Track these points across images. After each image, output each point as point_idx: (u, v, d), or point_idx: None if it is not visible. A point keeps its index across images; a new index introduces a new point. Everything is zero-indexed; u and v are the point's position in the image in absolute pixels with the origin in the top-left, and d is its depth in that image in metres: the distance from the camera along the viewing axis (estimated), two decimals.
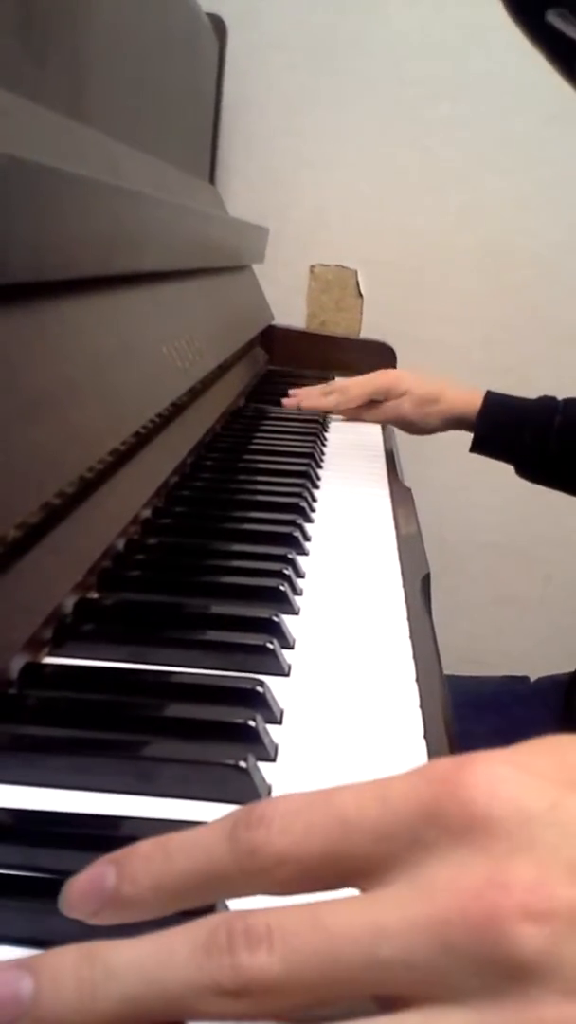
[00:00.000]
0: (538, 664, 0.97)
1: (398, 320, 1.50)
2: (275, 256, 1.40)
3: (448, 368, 1.43)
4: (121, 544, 0.52)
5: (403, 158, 1.48)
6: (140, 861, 0.21)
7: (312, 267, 1.54)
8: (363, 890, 0.20)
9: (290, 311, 1.50)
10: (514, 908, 0.18)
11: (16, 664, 0.36)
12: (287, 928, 0.19)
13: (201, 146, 1.30)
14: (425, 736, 0.36)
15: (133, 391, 0.60)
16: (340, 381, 1.10)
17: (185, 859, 0.21)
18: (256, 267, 1.35)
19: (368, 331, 1.53)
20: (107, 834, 0.25)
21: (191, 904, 0.21)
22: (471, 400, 1.01)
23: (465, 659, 1.47)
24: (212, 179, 1.37)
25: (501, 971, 0.18)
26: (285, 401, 1.07)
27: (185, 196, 1.04)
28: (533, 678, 0.95)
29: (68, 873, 0.21)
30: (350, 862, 0.20)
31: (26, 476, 0.41)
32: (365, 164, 1.49)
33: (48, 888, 0.23)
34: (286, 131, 1.48)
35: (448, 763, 0.21)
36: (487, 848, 0.19)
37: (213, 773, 0.30)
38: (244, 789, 0.30)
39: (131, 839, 0.22)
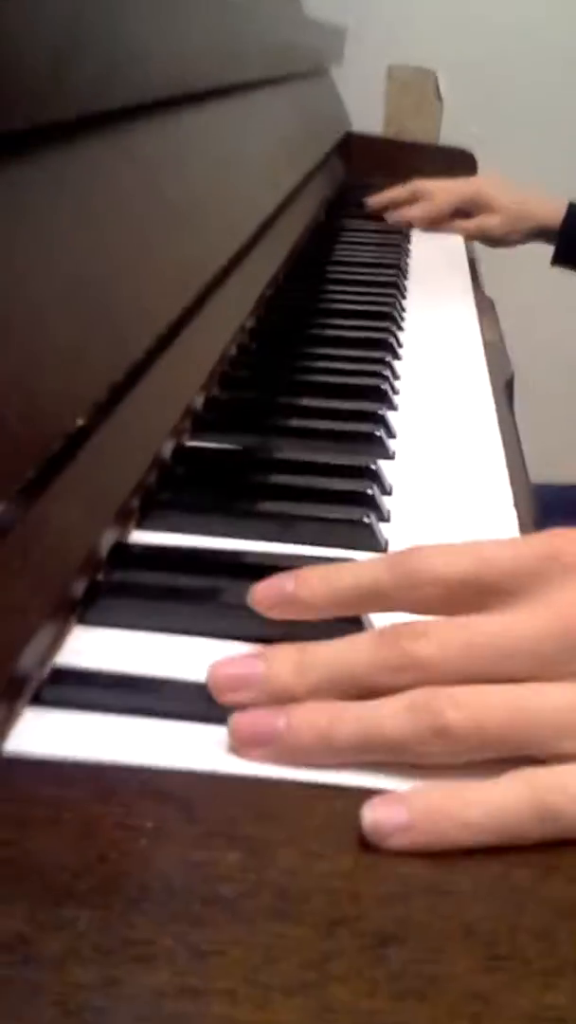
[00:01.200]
0: None
1: (479, 125, 1.46)
2: (353, 58, 1.36)
3: (529, 177, 1.40)
4: (234, 351, 0.58)
5: None
6: (314, 575, 0.28)
7: (390, 68, 1.48)
8: (494, 613, 0.27)
9: (367, 117, 1.47)
10: None
11: (167, 447, 0.43)
12: (440, 627, 0.26)
13: None
14: (515, 503, 0.42)
15: (228, 211, 0.63)
16: (422, 183, 1.07)
17: (350, 577, 0.28)
18: (333, 70, 1.32)
19: (448, 137, 1.49)
20: (264, 565, 0.32)
21: (352, 612, 0.28)
22: (555, 212, 1.00)
23: (551, 464, 1.52)
24: None
25: None
26: (370, 200, 1.06)
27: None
28: None
29: (237, 594, 0.28)
30: (487, 587, 0.27)
31: (167, 282, 0.47)
32: None
33: (226, 598, 0.30)
34: None
35: (564, 529, 0.28)
36: None
37: (344, 527, 0.37)
38: (368, 541, 0.37)
39: (286, 570, 0.28)
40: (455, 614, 0.27)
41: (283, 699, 0.26)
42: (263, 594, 0.28)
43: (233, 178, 0.69)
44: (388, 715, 0.25)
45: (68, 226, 0.39)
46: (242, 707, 0.26)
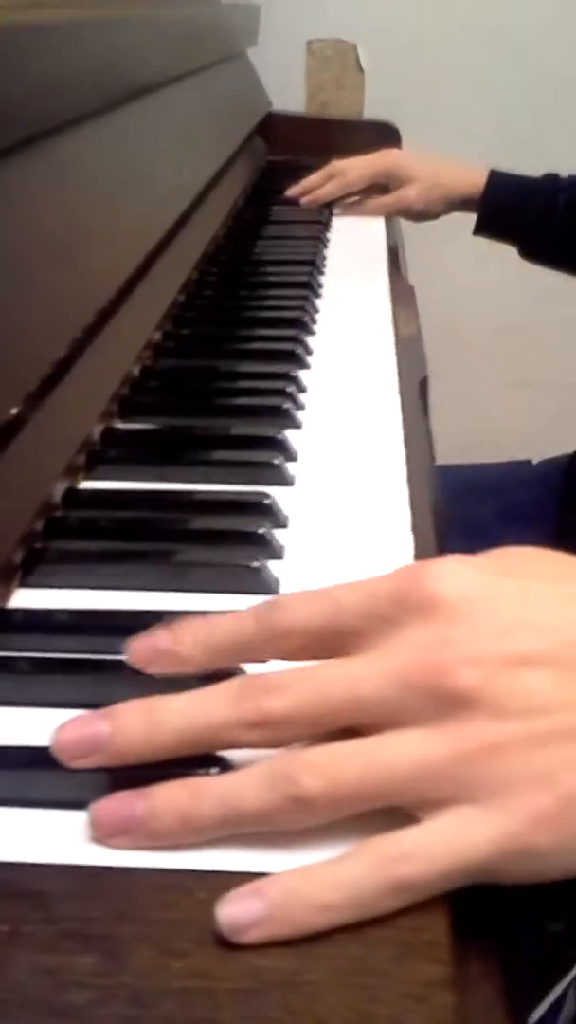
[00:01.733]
0: (551, 446, 1.01)
1: (402, 94, 1.44)
2: (269, 35, 1.33)
3: (456, 145, 1.39)
4: (137, 370, 0.57)
5: None
6: (187, 628, 0.28)
7: (309, 43, 1.46)
8: (350, 656, 0.27)
9: (289, 94, 1.44)
10: (455, 657, 0.25)
11: (58, 489, 0.42)
12: (293, 679, 0.26)
13: None
14: (413, 529, 0.42)
15: (137, 218, 0.62)
16: (338, 163, 1.06)
17: (221, 630, 0.28)
18: (250, 50, 1.29)
19: (372, 109, 1.47)
20: (147, 623, 0.32)
21: (224, 664, 0.28)
22: (475, 180, 0.99)
23: (479, 442, 1.53)
24: None
25: (447, 701, 0.25)
26: (288, 192, 1.05)
27: None
28: (536, 461, 1.01)
29: (118, 658, 0.28)
30: (343, 634, 0.27)
31: (52, 316, 0.46)
32: None
33: (103, 666, 0.30)
34: None
35: (415, 564, 0.28)
36: (437, 621, 0.26)
37: (231, 572, 0.36)
38: (256, 583, 0.36)
39: None
40: (318, 658, 0.27)
41: (132, 761, 0.26)
42: (139, 650, 0.28)
43: (140, 183, 0.68)
44: (247, 788, 0.25)
45: None
46: (92, 771, 0.26)
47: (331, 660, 0.27)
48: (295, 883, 0.24)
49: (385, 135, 1.29)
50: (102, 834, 0.25)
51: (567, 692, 0.25)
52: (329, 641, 0.27)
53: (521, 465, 1.00)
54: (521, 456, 1.02)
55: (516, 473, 0.99)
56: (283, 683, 0.26)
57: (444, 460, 0.77)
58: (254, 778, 0.25)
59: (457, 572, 0.27)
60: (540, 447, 1.01)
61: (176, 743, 0.26)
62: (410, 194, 1.02)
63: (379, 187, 1.07)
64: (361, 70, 1.48)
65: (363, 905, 0.23)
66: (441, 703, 0.25)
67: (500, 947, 0.24)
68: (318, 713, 0.26)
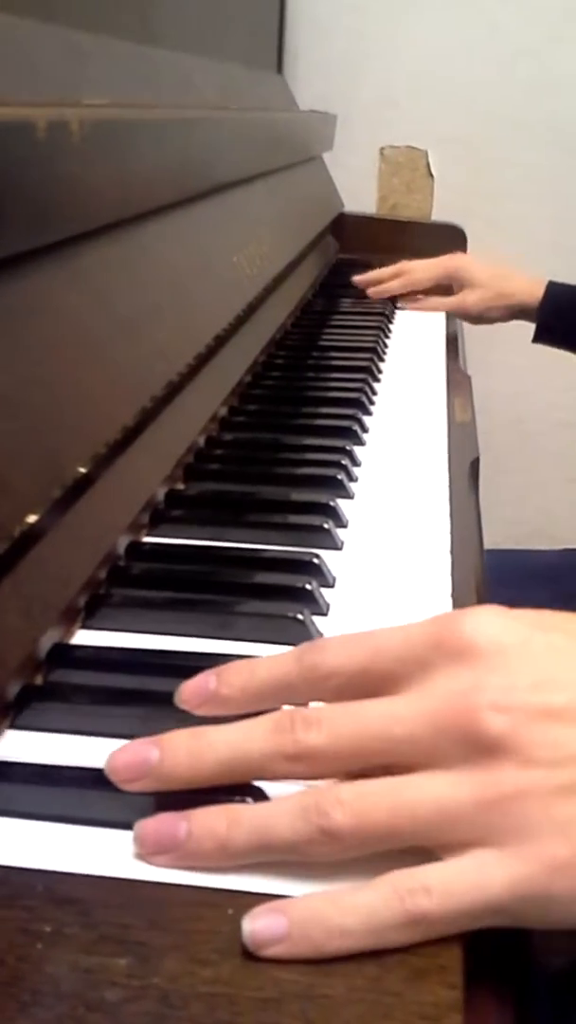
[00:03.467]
0: None
1: (470, 200, 1.50)
2: (345, 141, 1.41)
3: (519, 248, 1.44)
4: (202, 440, 0.60)
5: (470, 33, 1.45)
6: (233, 672, 0.30)
7: (382, 149, 1.54)
8: (387, 696, 0.28)
9: (362, 196, 1.52)
10: (486, 703, 0.26)
11: (122, 543, 0.45)
12: (331, 716, 0.28)
13: (267, 36, 1.31)
14: (453, 595, 0.44)
15: (208, 303, 0.66)
16: (407, 263, 1.12)
17: (264, 672, 0.30)
18: (326, 153, 1.37)
19: (440, 213, 1.54)
20: (198, 665, 0.34)
21: (269, 705, 0.30)
22: (533, 291, 1.04)
23: (539, 533, 1.53)
24: (280, 67, 1.38)
25: (475, 746, 0.26)
26: (356, 279, 1.11)
27: (252, 94, 1.07)
28: None
29: (171, 694, 0.30)
30: (379, 676, 0.28)
31: (123, 387, 0.50)
32: (432, 41, 1.47)
33: (154, 699, 0.32)
34: (352, 12, 1.46)
35: (453, 611, 0.30)
36: (471, 667, 0.27)
37: (279, 623, 0.38)
38: (302, 635, 0.38)
39: None
40: (356, 699, 0.28)
41: (178, 786, 0.28)
42: (189, 693, 0.30)
43: (213, 272, 0.73)
44: (280, 818, 0.26)
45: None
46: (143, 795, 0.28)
47: (368, 700, 0.28)
48: (317, 906, 0.25)
49: (452, 237, 1.35)
50: (145, 851, 0.27)
51: None
52: (367, 683, 0.28)
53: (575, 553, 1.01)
54: None
55: (570, 560, 0.99)
56: (321, 719, 0.28)
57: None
58: (287, 809, 0.27)
59: (493, 621, 0.28)
60: None
61: (218, 772, 0.28)
62: (471, 299, 1.06)
63: (443, 288, 1.12)
64: (431, 176, 1.55)
65: (380, 933, 0.24)
66: (470, 748, 0.26)
67: (514, 977, 0.25)
68: (353, 750, 0.27)
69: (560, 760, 0.26)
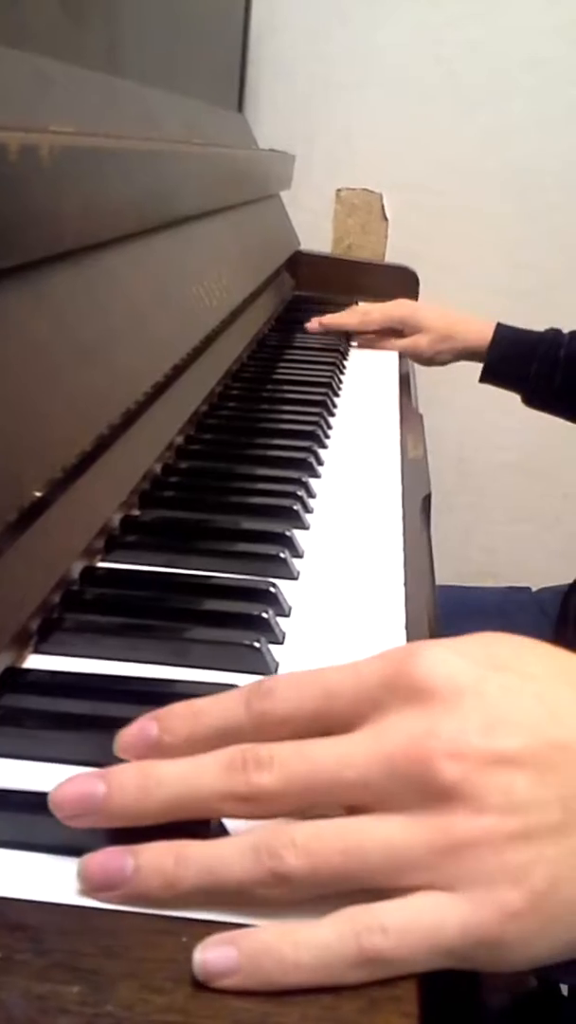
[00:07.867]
0: (551, 579, 1.04)
1: (423, 243, 1.54)
2: (302, 181, 1.44)
3: (471, 291, 1.47)
4: (159, 468, 0.60)
5: (429, 81, 1.50)
6: (176, 718, 0.29)
7: (338, 191, 1.57)
8: (340, 736, 0.28)
9: (318, 236, 1.55)
10: (440, 749, 0.26)
11: (76, 567, 0.45)
12: (282, 756, 0.27)
13: (229, 75, 1.33)
14: (406, 627, 0.44)
15: (167, 332, 0.67)
16: (363, 306, 1.16)
17: (210, 718, 0.28)
18: (284, 192, 1.39)
19: (393, 255, 1.57)
20: (155, 691, 0.34)
21: (213, 749, 0.29)
22: (483, 334, 1.06)
23: (483, 572, 1.55)
24: (240, 106, 1.40)
25: (428, 792, 0.26)
26: (308, 324, 1.13)
27: (214, 130, 1.09)
28: (535, 589, 1.03)
29: (124, 720, 0.29)
30: (331, 720, 0.28)
31: (81, 412, 0.49)
32: (391, 87, 1.51)
33: (111, 725, 0.31)
34: (313, 56, 1.50)
35: (405, 647, 0.29)
36: (424, 709, 0.27)
37: (234, 651, 0.38)
38: (257, 663, 0.38)
39: (172, 696, 0.30)
40: (308, 738, 0.28)
41: (124, 823, 0.27)
42: (128, 742, 0.29)
43: (171, 303, 0.73)
44: (230, 858, 0.26)
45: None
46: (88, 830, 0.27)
47: (321, 740, 0.27)
48: (270, 939, 0.24)
49: (404, 279, 1.38)
50: (89, 887, 0.26)
51: (543, 792, 0.26)
52: (318, 725, 0.28)
53: (520, 591, 1.03)
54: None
55: (515, 599, 1.01)
56: (273, 760, 0.27)
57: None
58: (239, 849, 0.26)
59: (447, 660, 0.27)
60: (540, 580, 1.04)
61: (166, 809, 0.27)
62: (422, 342, 1.09)
63: (395, 331, 1.14)
64: (385, 218, 1.58)
65: (332, 969, 0.24)
66: (423, 793, 0.26)
67: (467, 1008, 0.25)
68: (305, 792, 0.27)
69: (513, 807, 0.25)
